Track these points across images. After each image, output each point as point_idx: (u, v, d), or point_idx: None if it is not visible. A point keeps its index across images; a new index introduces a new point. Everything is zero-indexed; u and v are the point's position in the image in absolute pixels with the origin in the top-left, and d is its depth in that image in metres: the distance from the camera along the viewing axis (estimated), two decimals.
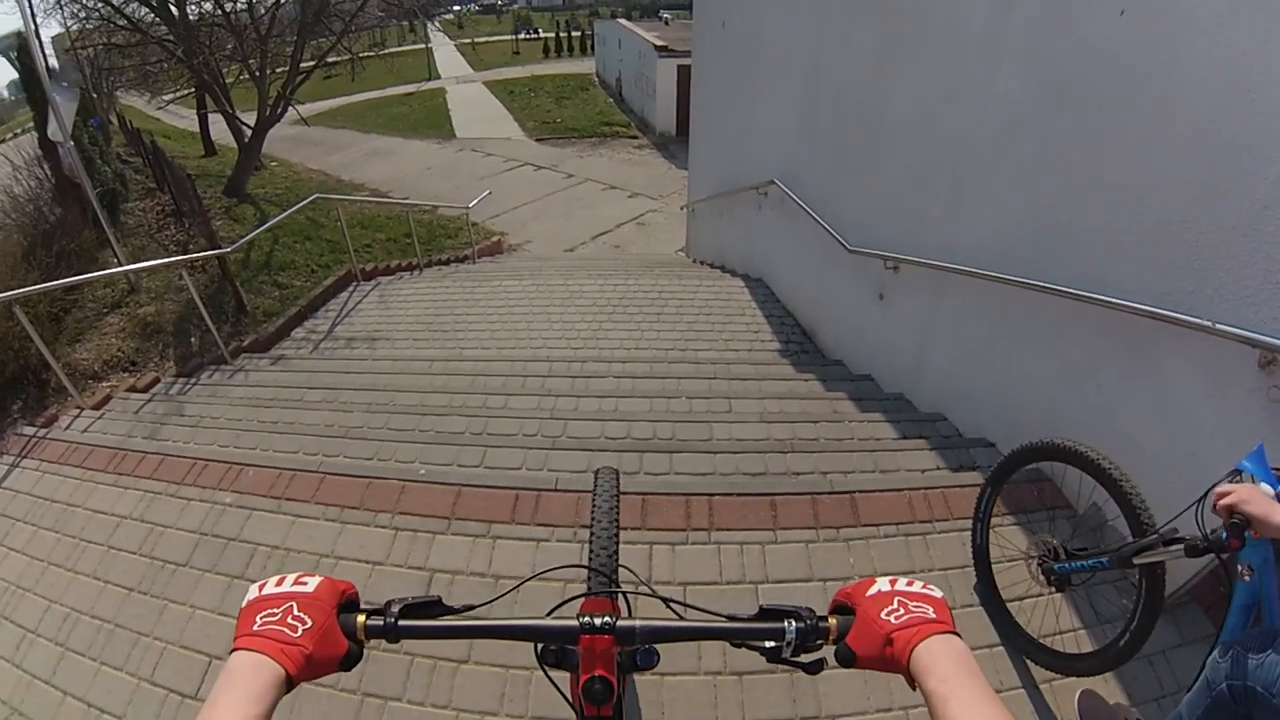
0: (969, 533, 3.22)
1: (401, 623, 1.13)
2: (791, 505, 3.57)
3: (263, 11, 14.22)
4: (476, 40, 60.83)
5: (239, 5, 14.35)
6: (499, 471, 4.03)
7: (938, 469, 4.12)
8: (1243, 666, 1.89)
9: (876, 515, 3.55)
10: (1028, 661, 2.94)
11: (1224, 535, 1.94)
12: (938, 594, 1.08)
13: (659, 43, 26.66)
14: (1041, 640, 2.93)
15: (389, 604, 1.15)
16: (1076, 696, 2.75)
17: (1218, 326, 2.69)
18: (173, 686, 3.11)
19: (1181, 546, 2.10)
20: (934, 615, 1.02)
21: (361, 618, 1.12)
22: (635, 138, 27.40)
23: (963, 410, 4.68)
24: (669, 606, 1.32)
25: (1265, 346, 2.56)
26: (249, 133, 14.51)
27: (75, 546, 4.01)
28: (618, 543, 1.76)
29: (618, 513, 1.85)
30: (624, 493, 3.41)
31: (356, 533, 3.62)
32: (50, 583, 3.83)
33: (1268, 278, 2.58)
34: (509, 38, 61.54)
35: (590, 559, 1.69)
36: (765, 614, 1.13)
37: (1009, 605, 3.07)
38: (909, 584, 1.09)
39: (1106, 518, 3.26)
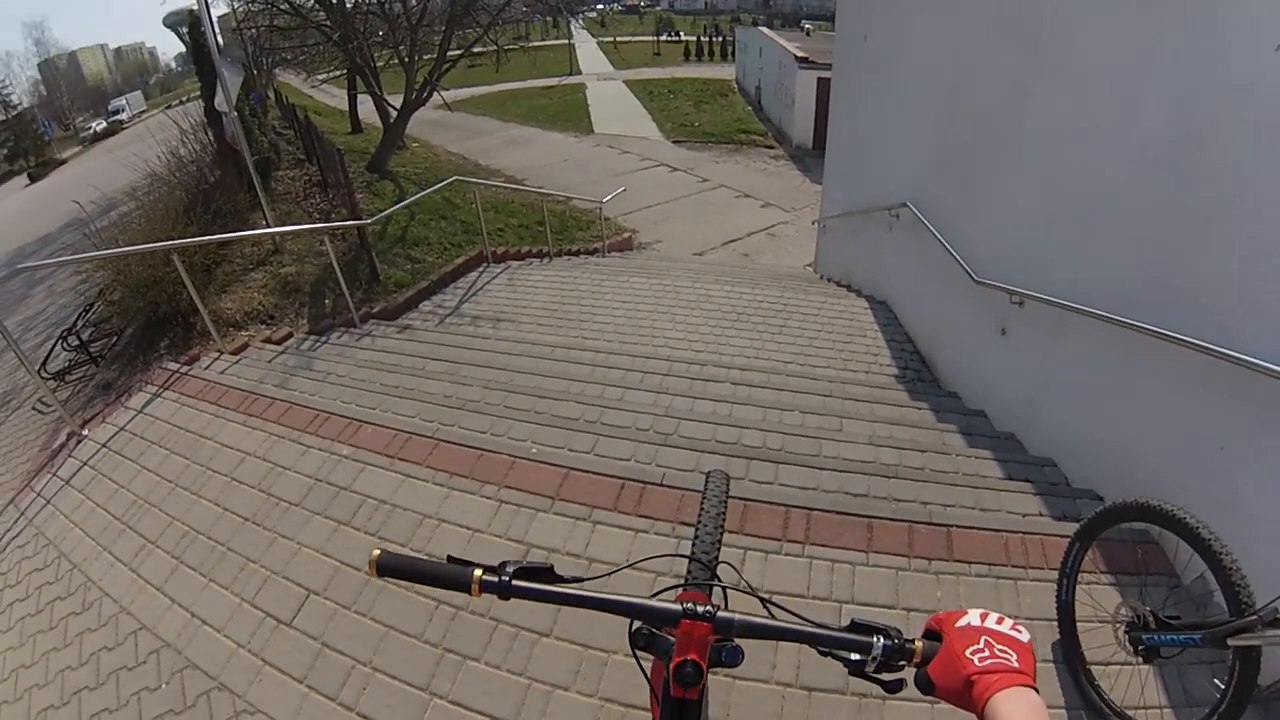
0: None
1: (515, 582, 1.22)
2: (888, 530, 3.55)
3: (414, 2, 14.85)
4: (618, 39, 61.39)
5: None
6: (608, 460, 4.12)
7: (1039, 515, 4.01)
8: None
9: (970, 552, 3.49)
10: None
11: None
12: (1025, 638, 1.08)
13: (799, 53, 26.48)
14: (1123, 711, 2.79)
15: (504, 564, 1.24)
16: None
17: None
18: (271, 611, 3.35)
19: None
20: (1017, 664, 1.02)
21: (479, 571, 1.21)
22: (771, 148, 27.24)
23: (1073, 459, 4.54)
24: (765, 606, 1.37)
25: None
26: (394, 114, 15.01)
27: (201, 474, 4.36)
28: (720, 542, 1.81)
29: (724, 515, 1.90)
30: (730, 496, 3.48)
31: (462, 499, 3.78)
32: (175, 502, 4.18)
33: None
34: (650, 39, 61.84)
35: (694, 552, 1.75)
36: (855, 627, 1.17)
37: (1091, 668, 2.93)
38: (999, 621, 1.09)
39: (1211, 593, 3.02)
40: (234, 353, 6.20)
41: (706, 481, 2.03)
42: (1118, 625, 2.76)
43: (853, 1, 10.47)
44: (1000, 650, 1.03)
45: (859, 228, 10.00)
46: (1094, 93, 4.27)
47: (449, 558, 1.27)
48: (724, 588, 1.51)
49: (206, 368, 5.75)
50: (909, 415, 5.41)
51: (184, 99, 27.24)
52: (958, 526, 3.61)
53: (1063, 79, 4.60)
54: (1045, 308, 4.64)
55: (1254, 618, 2.15)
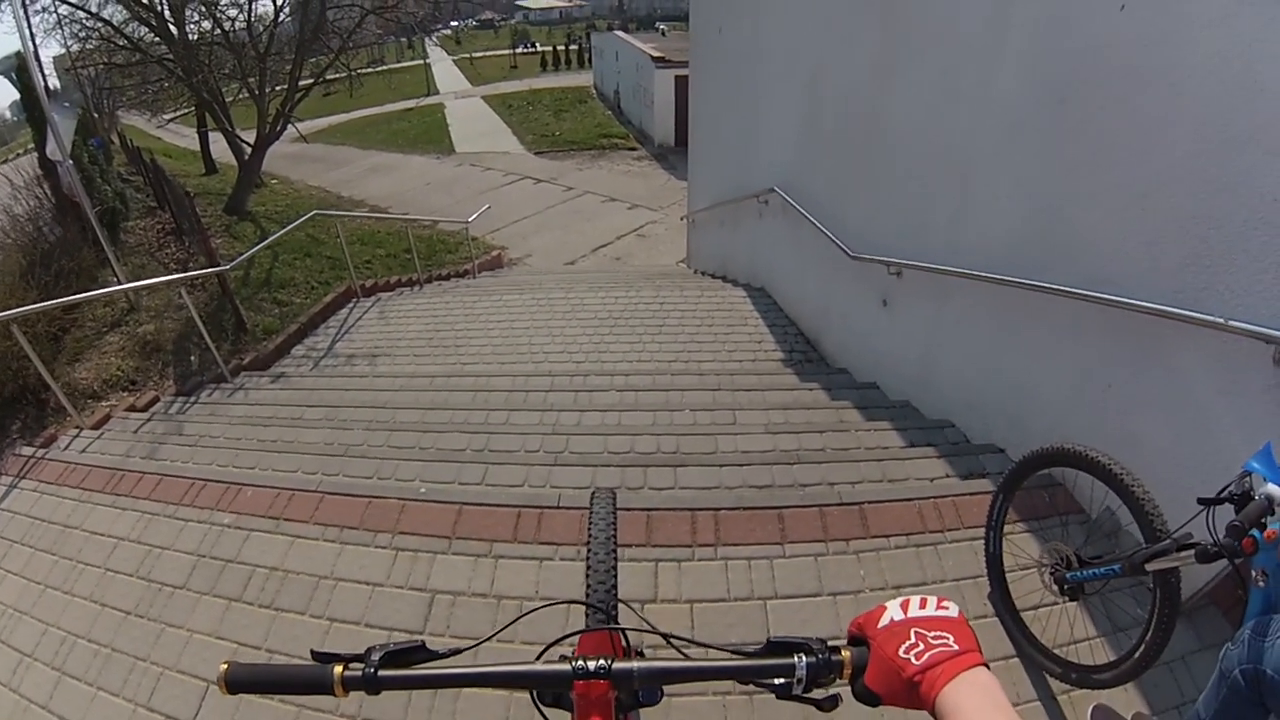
0: (981, 541, 3.15)
1: (381, 673, 1.07)
2: (799, 518, 3.50)
3: (261, 30, 14.43)
4: (474, 55, 61.20)
5: (238, 24, 14.57)
6: (501, 489, 3.98)
7: (947, 477, 4.06)
8: (1256, 650, 1.86)
9: (886, 526, 3.48)
10: (1045, 674, 2.87)
11: (1237, 541, 1.89)
12: (954, 612, 1.00)
13: (656, 54, 26.94)
14: (1057, 651, 2.87)
15: (369, 651, 1.09)
16: (1089, 711, 2.69)
17: (1230, 323, 2.65)
18: (170, 712, 3.04)
19: (1193, 552, 2.04)
20: (956, 646, 0.94)
21: (339, 669, 1.06)
22: (634, 149, 27.58)
23: (971, 416, 4.62)
24: (670, 643, 1.26)
25: (1278, 341, 2.53)
26: (249, 150, 14.63)
27: (72, 569, 3.98)
28: (615, 570, 1.69)
29: (615, 540, 1.77)
30: (628, 509, 3.37)
31: (356, 553, 3.56)
32: (47, 605, 3.79)
33: (1271, 263, 2.57)
34: (506, 52, 61.84)
35: (587, 592, 1.62)
36: (773, 647, 1.06)
37: (1024, 615, 3.00)
38: (922, 605, 1.01)
39: (1121, 523, 3.18)
40: (95, 426, 5.81)
41: (590, 506, 1.88)
42: (1043, 569, 2.85)
43: None
44: (935, 638, 0.95)
45: (729, 218, 10.08)
46: (957, 63, 4.36)
47: (312, 653, 1.11)
48: (624, 630, 1.40)
49: (66, 448, 5.33)
50: (802, 397, 5.41)
51: (19, 152, 25.90)
52: (869, 502, 3.61)
53: (925, 50, 4.69)
54: (925, 276, 4.72)
55: (1169, 541, 2.19)
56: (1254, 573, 1.99)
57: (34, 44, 8.68)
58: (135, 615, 3.54)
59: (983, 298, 4.23)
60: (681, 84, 20.73)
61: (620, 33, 39.01)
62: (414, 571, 3.41)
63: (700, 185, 12.10)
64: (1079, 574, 2.64)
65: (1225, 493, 2.01)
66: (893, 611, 1.02)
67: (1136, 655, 2.45)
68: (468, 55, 61.30)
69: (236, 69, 14.51)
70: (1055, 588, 2.77)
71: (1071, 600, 2.79)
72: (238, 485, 4.22)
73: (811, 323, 7.20)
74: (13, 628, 3.75)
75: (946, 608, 1.01)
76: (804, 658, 1.03)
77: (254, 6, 14.39)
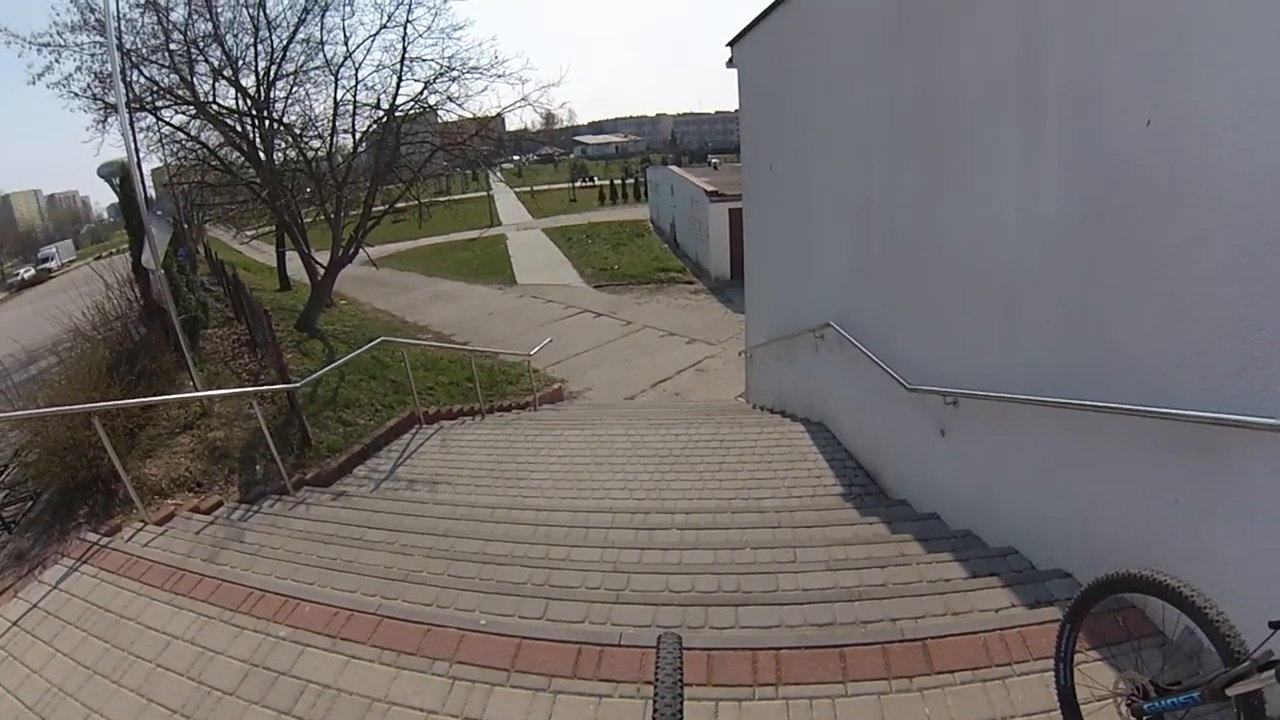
0: (1051, 673, 3.05)
1: None
2: (861, 655, 3.44)
3: (340, 160, 15.49)
4: (535, 189, 63.28)
5: (320, 154, 15.69)
6: (561, 625, 3.96)
7: (1012, 607, 3.96)
8: None
9: (950, 661, 3.40)
10: None
11: None
12: None
13: (709, 188, 27.69)
14: None
15: None
16: None
17: None
18: None
19: (1274, 672, 2.00)
20: None
21: None
22: (691, 282, 28.03)
23: (1034, 542, 4.52)
24: None
25: None
26: (322, 271, 15.33)
27: (123, 659, 4.03)
28: (681, 713, 1.71)
29: (681, 684, 1.80)
30: (689, 648, 3.34)
31: (412, 679, 3.56)
32: (93, 691, 3.84)
33: None
34: (566, 185, 64.15)
35: None
36: None
37: None
38: None
39: (1201, 644, 3.03)
40: (159, 523, 5.92)
41: (658, 649, 1.91)
42: (1118, 700, 2.75)
43: (756, 133, 10.87)
44: None
45: (786, 352, 10.14)
46: (996, 189, 4.51)
47: None
48: None
49: (129, 539, 5.46)
50: (862, 532, 5.34)
51: (114, 250, 27.15)
52: (932, 637, 3.53)
53: (966, 181, 4.85)
54: (980, 403, 4.75)
55: (1248, 663, 2.14)
56: None
57: (137, 156, 9.21)
58: (181, 715, 3.57)
59: (1039, 421, 4.23)
60: (735, 217, 21.13)
61: (674, 167, 40.08)
62: (470, 701, 3.39)
63: (757, 320, 12.23)
64: (1157, 704, 2.54)
65: None
66: None
67: None
68: (529, 188, 63.62)
69: (315, 194, 15.45)
70: (1134, 719, 2.66)
71: None
72: (296, 599, 4.27)
73: (870, 456, 7.16)
74: (55, 707, 3.81)
75: None
76: None
77: (335, 139, 15.51)
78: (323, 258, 15.48)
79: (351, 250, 15.21)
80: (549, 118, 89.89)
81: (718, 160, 53.27)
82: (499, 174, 32.11)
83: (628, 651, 3.58)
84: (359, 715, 3.40)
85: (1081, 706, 2.95)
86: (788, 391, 10.41)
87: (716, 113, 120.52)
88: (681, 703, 1.72)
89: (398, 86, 14.88)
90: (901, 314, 6.17)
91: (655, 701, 1.72)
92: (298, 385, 8.34)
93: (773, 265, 10.71)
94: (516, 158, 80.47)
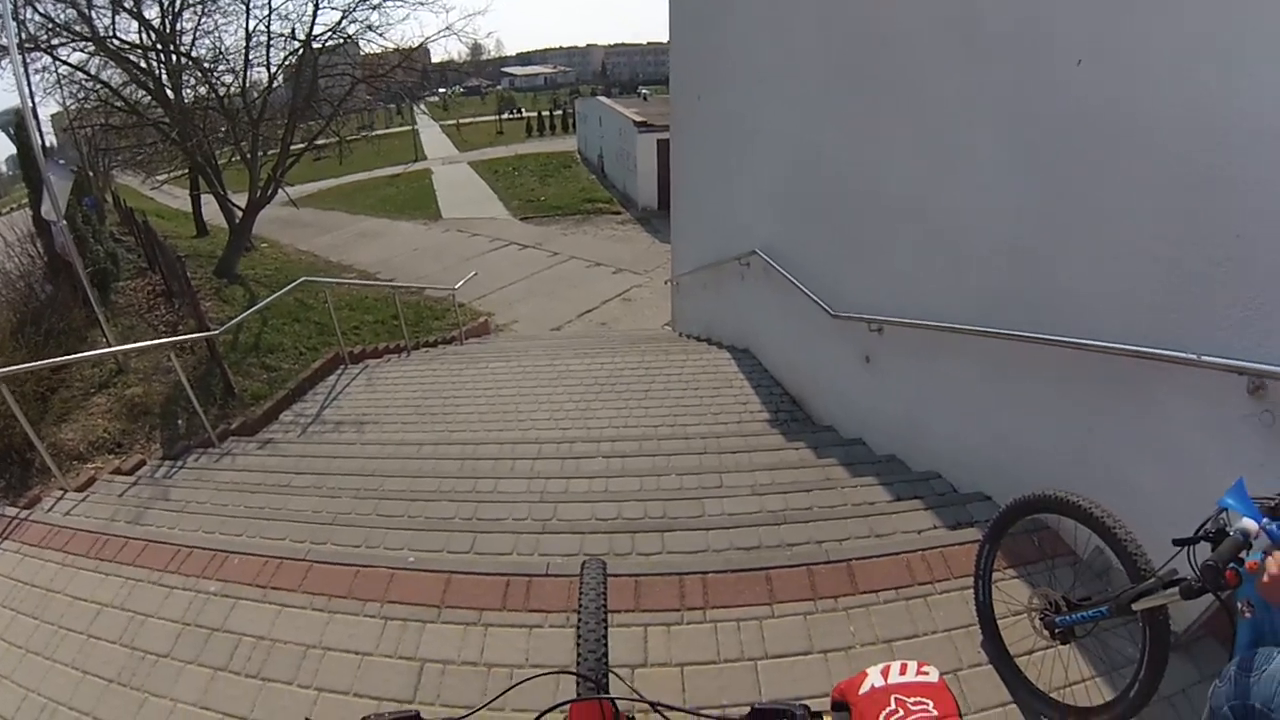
0: (970, 591, 3.19)
1: None
2: (787, 578, 3.51)
3: (255, 96, 14.88)
4: (461, 121, 61.93)
5: (232, 90, 14.98)
6: (489, 558, 3.97)
7: (935, 528, 4.10)
8: (1243, 687, 1.90)
9: (875, 581, 3.50)
10: (1044, 718, 2.89)
11: (1221, 572, 1.93)
12: (934, 677, 1.04)
13: (638, 118, 27.35)
14: (1054, 695, 2.88)
15: None
16: None
17: (1203, 358, 2.75)
18: None
19: (1178, 589, 2.10)
20: (935, 711, 0.98)
21: None
22: (618, 213, 27.89)
23: (957, 467, 4.67)
24: (658, 711, 1.29)
25: (1252, 372, 2.62)
26: (240, 214, 14.82)
27: (55, 634, 3.90)
28: (605, 639, 1.69)
29: (605, 610, 1.78)
30: (616, 575, 3.37)
31: (344, 622, 3.53)
32: (28, 671, 3.71)
33: (1248, 305, 2.67)
34: (493, 118, 62.71)
35: (578, 662, 1.63)
36: (758, 715, 1.10)
37: (1019, 661, 3.01)
38: (902, 671, 1.05)
39: (1111, 563, 3.19)
40: (80, 489, 5.75)
41: (581, 575, 1.89)
42: (1032, 615, 2.88)
43: (686, 63, 10.76)
44: (915, 704, 0.99)
45: (712, 281, 10.19)
46: (935, 122, 4.52)
47: None
48: (614, 699, 1.42)
49: (50, 510, 5.29)
50: (788, 457, 5.46)
51: (14, 207, 25.96)
52: (857, 559, 3.62)
53: (903, 112, 4.85)
54: (910, 332, 4.81)
55: (1153, 580, 2.24)
56: (1240, 605, 2.03)
57: (33, 101, 8.76)
58: (118, 684, 3.47)
59: (965, 352, 4.32)
60: (664, 148, 20.95)
61: (603, 98, 39.66)
62: (403, 640, 3.38)
63: (683, 249, 12.25)
64: (1068, 618, 2.67)
65: (1201, 531, 2.06)
66: (873, 678, 1.05)
67: (1131, 694, 2.49)
68: (455, 122, 62.03)
69: (230, 134, 14.84)
70: (1046, 632, 2.80)
71: (1064, 644, 2.80)
72: (224, 553, 4.18)
73: (796, 383, 7.27)
74: None
75: (926, 673, 1.04)
76: None
77: (248, 73, 14.86)
78: (240, 200, 14.93)
79: (270, 191, 14.68)
80: (476, 48, 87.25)
81: (648, 91, 52.60)
82: (424, 108, 31.39)
83: (555, 581, 3.60)
84: (294, 664, 3.36)
85: (999, 621, 3.10)
86: (714, 319, 10.48)
87: (649, 44, 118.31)
88: (605, 627, 1.72)
89: (314, 15, 14.33)
90: (830, 244, 6.21)
91: (579, 626, 1.70)
92: (217, 333, 8.12)
93: (700, 195, 10.71)
94: (442, 90, 78.56)
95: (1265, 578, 1.82)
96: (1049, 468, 3.74)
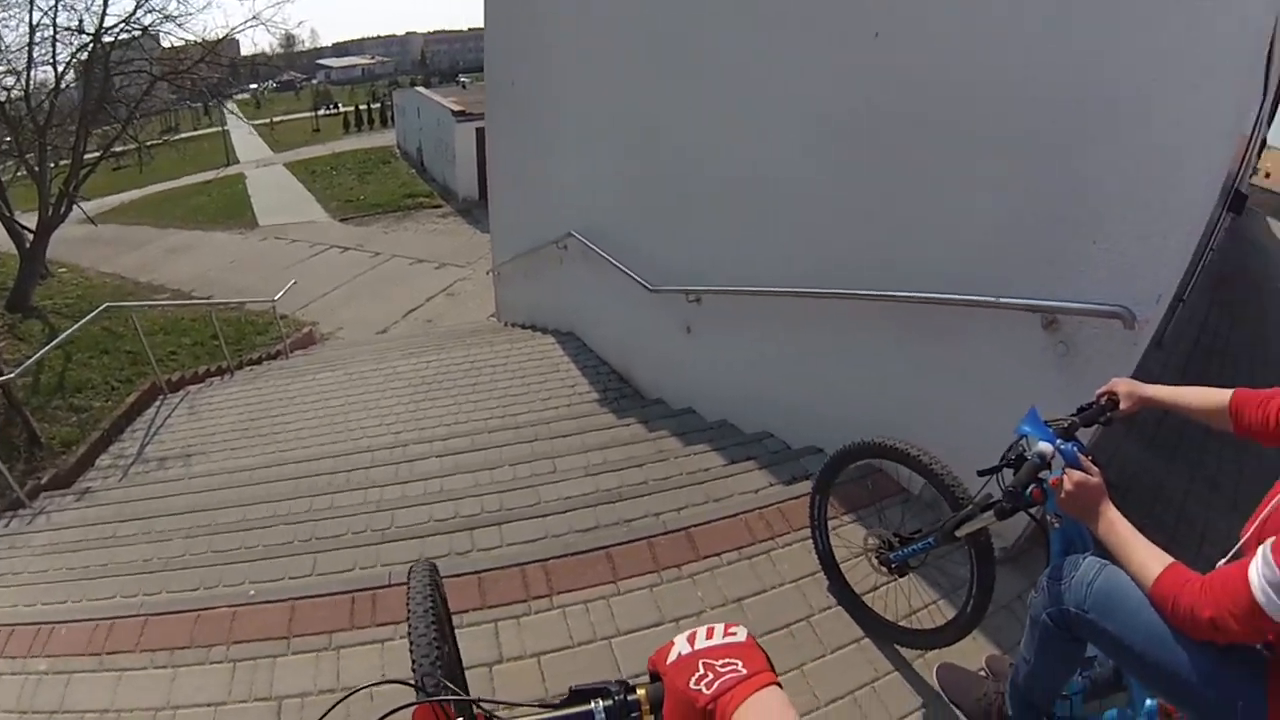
0: (810, 540, 3.34)
1: None
2: (628, 554, 3.58)
3: (42, 99, 13.42)
4: (275, 120, 59.21)
5: (14, 94, 13.33)
6: (332, 577, 3.87)
7: (770, 486, 4.24)
8: (1055, 594, 2.05)
9: (716, 545, 3.60)
10: (896, 645, 3.08)
11: (1026, 492, 2.10)
12: (741, 636, 1.04)
13: (456, 107, 27.02)
14: (903, 623, 3.08)
15: None
16: (935, 671, 2.86)
17: (1001, 300, 3.06)
18: None
19: (993, 512, 2.22)
20: (745, 670, 0.98)
21: None
22: (439, 207, 27.67)
23: (788, 425, 4.85)
24: (479, 707, 1.32)
25: (1045, 310, 2.94)
26: (31, 237, 13.46)
27: None
28: (437, 641, 1.66)
29: (435, 611, 1.74)
30: (459, 574, 3.37)
31: (191, 675, 3.32)
32: None
33: (1036, 249, 3.04)
34: (308, 114, 60.09)
35: (413, 668, 1.63)
36: (575, 696, 1.11)
37: (867, 598, 3.18)
38: (709, 635, 1.05)
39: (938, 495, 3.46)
40: None
41: (408, 581, 1.85)
42: (869, 554, 3.00)
43: (500, 47, 10.60)
44: (723, 665, 0.99)
45: (532, 267, 10.18)
46: (746, 94, 4.68)
47: None
48: (438, 701, 1.44)
49: None
50: (620, 434, 5.53)
51: None
52: (695, 525, 3.72)
53: (714, 87, 4.99)
54: (725, 299, 4.98)
55: (972, 507, 2.39)
56: (1049, 518, 2.19)
57: None
58: None
59: (784, 314, 4.52)
60: (482, 136, 20.70)
61: (421, 89, 38.68)
62: (255, 681, 3.23)
63: (502, 238, 12.18)
64: (901, 552, 2.81)
65: (1003, 460, 2.23)
66: (680, 646, 1.05)
67: (968, 610, 2.68)
68: (268, 120, 59.22)
69: (13, 145, 13.38)
70: (884, 569, 2.94)
71: (901, 576, 2.94)
72: (50, 624, 3.83)
73: (623, 360, 7.39)
74: None
75: (734, 633, 1.05)
76: (601, 702, 1.07)
77: (32, 73, 13.35)
78: (30, 221, 13.60)
79: (64, 208, 13.53)
80: (288, 40, 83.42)
81: (467, 79, 51.36)
82: (233, 106, 29.82)
83: (399, 590, 3.44)
84: None
85: (841, 565, 3.27)
86: (537, 306, 10.50)
87: (469, 30, 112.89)
88: (437, 629, 1.70)
89: (105, 4, 13.05)
90: (646, 219, 6.32)
91: (410, 633, 1.67)
92: (12, 375, 7.54)
93: (516, 181, 10.67)
94: (253, 86, 74.90)
95: (1062, 494, 1.99)
96: (877, 415, 3.90)
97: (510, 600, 3.42)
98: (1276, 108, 13.37)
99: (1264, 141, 17.75)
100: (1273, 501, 1.73)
